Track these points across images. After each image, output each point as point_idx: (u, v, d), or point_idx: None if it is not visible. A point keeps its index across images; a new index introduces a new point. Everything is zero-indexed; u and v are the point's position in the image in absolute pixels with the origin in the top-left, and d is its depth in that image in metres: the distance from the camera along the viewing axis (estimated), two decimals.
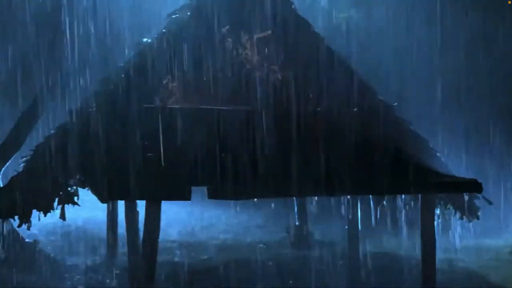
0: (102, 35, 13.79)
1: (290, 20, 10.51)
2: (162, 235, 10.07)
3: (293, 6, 10.66)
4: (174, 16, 10.66)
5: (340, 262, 12.95)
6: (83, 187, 9.53)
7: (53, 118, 12.45)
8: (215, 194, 9.58)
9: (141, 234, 9.91)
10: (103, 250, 13.24)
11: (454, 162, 12.14)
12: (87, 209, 11.92)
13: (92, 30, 13.69)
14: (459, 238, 14.30)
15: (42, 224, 11.05)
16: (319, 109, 10.37)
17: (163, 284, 10.97)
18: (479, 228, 14.30)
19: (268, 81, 10.33)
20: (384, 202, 12.25)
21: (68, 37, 13.13)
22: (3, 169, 13.14)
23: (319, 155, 9.92)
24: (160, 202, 9.69)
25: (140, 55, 10.30)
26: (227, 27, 10.28)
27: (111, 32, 13.85)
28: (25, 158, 10.11)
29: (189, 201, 9.67)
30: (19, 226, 9.65)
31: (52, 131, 10.30)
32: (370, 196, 11.93)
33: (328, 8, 16.09)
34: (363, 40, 16.71)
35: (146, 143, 9.63)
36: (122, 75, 10.31)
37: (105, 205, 12.09)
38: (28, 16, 12.82)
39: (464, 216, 11.68)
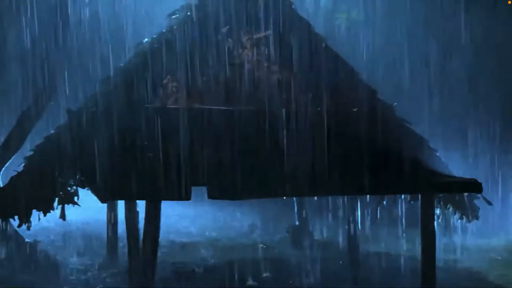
0: (102, 35, 13.80)
1: (290, 20, 10.50)
2: (162, 235, 10.08)
3: (293, 6, 10.65)
4: (174, 16, 10.65)
5: (340, 262, 12.96)
6: (83, 187, 9.53)
7: (53, 118, 12.44)
8: (215, 194, 9.58)
9: (141, 234, 9.91)
10: (103, 250, 13.23)
11: (454, 162, 12.13)
12: (87, 209, 11.91)
13: (92, 30, 13.70)
14: (459, 238, 14.30)
15: (42, 224, 11.05)
16: (319, 109, 10.37)
17: (163, 284, 10.96)
18: (479, 228, 14.30)
19: (268, 81, 10.33)
20: (384, 202, 12.25)
21: (68, 37, 13.15)
22: (3, 169, 13.13)
23: (319, 155, 9.92)
24: (160, 202, 9.69)
25: (140, 55, 10.29)
26: (227, 27, 10.28)
27: (111, 32, 13.85)
28: (25, 158, 10.10)
29: (189, 201, 9.67)
30: (19, 226, 9.65)
31: (52, 131, 10.29)
32: (370, 196, 11.94)
33: (328, 8, 16.09)
34: (363, 40, 16.70)
35: (146, 143, 9.63)
36: (122, 75, 10.31)
37: (105, 205, 12.10)
38: (29, 15, 12.82)
39: (464, 216, 11.69)
